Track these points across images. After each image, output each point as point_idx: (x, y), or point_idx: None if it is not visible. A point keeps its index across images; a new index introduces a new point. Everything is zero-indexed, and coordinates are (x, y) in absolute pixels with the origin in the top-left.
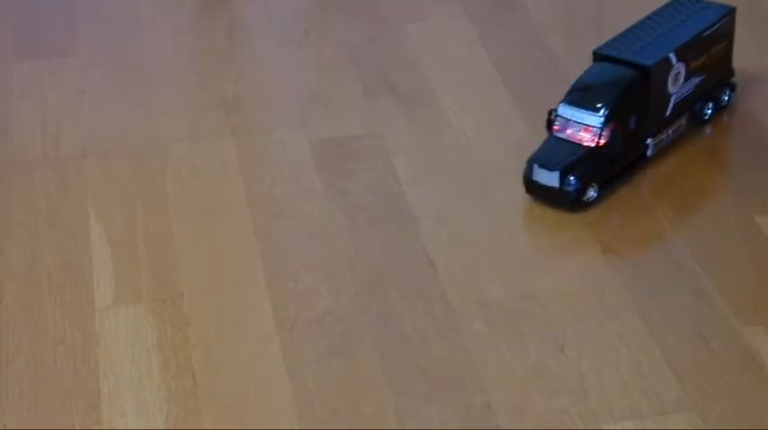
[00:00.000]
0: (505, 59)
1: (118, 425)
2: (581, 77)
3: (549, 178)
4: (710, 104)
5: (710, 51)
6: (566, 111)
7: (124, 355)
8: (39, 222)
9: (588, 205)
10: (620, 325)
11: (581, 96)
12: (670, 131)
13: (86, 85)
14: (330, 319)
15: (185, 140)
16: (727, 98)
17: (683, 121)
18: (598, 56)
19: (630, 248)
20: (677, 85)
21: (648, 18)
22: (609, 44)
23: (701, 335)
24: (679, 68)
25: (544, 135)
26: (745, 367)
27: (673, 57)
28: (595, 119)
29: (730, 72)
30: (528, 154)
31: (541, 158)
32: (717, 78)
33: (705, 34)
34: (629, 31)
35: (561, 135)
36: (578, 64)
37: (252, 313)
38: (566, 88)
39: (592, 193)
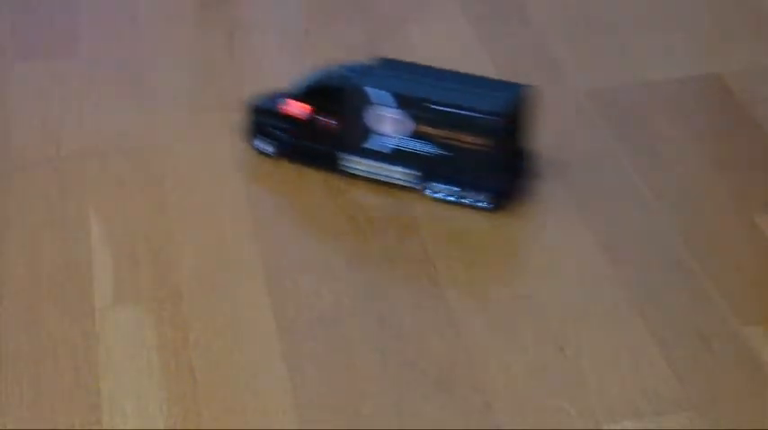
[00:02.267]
0: (505, 60)
1: (118, 425)
2: (360, 62)
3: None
4: (450, 192)
5: (460, 136)
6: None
7: (124, 355)
8: (39, 222)
9: (262, 153)
10: (619, 325)
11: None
12: (381, 170)
13: (86, 85)
14: (330, 319)
15: (185, 140)
16: (472, 201)
17: (414, 176)
18: (383, 59)
19: (630, 248)
20: (392, 130)
21: (473, 76)
22: (396, 62)
23: (701, 335)
24: (396, 115)
25: (543, 134)
26: (745, 367)
27: (382, 95)
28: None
29: (490, 186)
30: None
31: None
32: (472, 176)
33: (457, 113)
34: (431, 68)
35: None
36: (578, 64)
37: (252, 313)
38: (564, 88)
39: (263, 146)
